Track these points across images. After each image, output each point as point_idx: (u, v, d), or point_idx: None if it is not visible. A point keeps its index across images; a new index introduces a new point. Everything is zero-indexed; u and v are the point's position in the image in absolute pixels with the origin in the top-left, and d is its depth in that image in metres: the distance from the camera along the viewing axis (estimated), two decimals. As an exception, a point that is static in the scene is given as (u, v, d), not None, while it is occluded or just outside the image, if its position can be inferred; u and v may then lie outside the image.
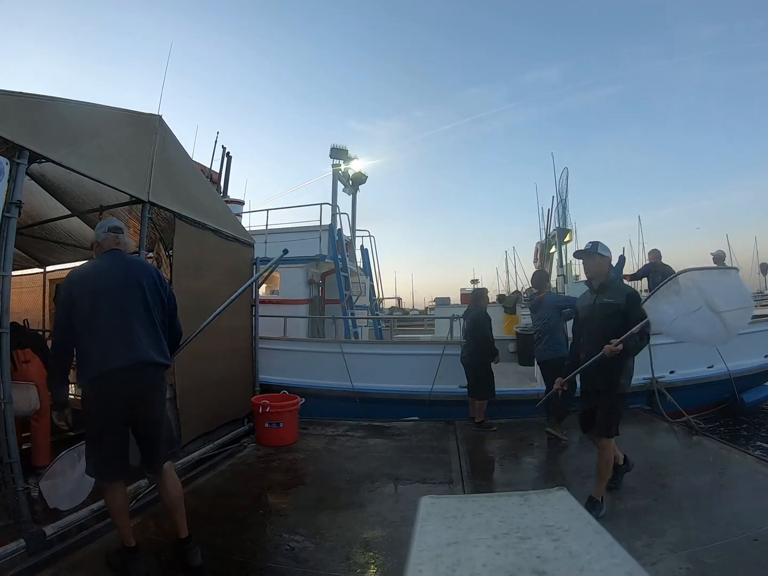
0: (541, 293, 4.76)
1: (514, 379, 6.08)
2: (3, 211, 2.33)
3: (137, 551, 2.24)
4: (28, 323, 5.27)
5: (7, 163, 2.33)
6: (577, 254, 3.22)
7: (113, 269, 2.23)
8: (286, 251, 3.50)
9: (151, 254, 4.00)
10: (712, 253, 7.02)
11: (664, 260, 7.07)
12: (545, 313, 4.55)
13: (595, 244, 2.99)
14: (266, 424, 4.40)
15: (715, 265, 3.82)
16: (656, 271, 6.73)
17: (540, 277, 5.02)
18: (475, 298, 5.27)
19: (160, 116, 3.70)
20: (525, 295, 15.60)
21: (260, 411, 4.36)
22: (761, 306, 13.43)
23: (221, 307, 3.14)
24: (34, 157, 2.58)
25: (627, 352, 2.78)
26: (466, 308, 5.36)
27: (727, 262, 7.53)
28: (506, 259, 35.38)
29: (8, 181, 2.35)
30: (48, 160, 2.69)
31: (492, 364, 4.90)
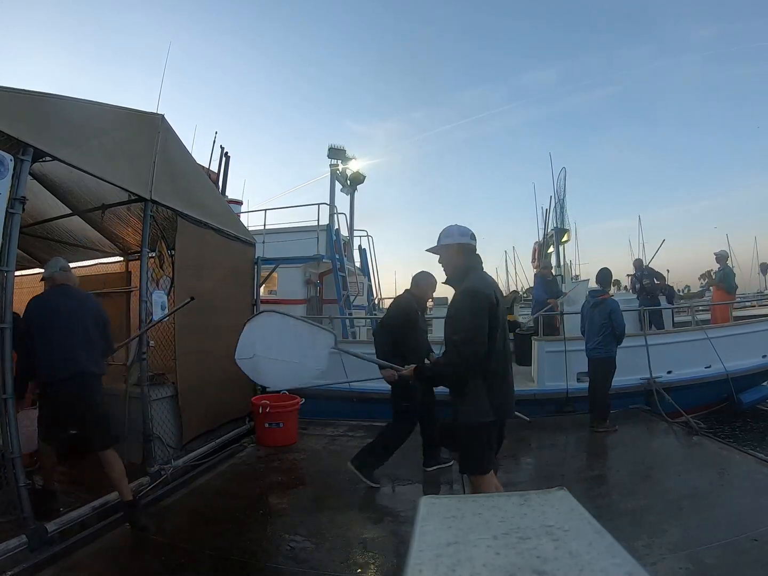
0: (604, 294, 4.79)
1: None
2: (7, 207, 2.33)
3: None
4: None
5: (11, 160, 2.33)
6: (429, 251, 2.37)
7: (64, 300, 2.80)
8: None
9: (153, 253, 4.00)
10: (715, 253, 7.26)
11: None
12: (602, 315, 4.64)
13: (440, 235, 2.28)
14: (266, 425, 4.40)
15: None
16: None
17: (606, 277, 4.98)
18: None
19: (162, 115, 3.71)
20: (524, 295, 15.59)
21: (260, 411, 4.37)
22: (760, 306, 13.43)
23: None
24: (38, 154, 2.57)
25: (426, 379, 2.24)
26: None
27: (728, 262, 7.68)
28: (506, 259, 35.33)
29: (12, 177, 2.35)
30: (52, 157, 2.69)
31: None
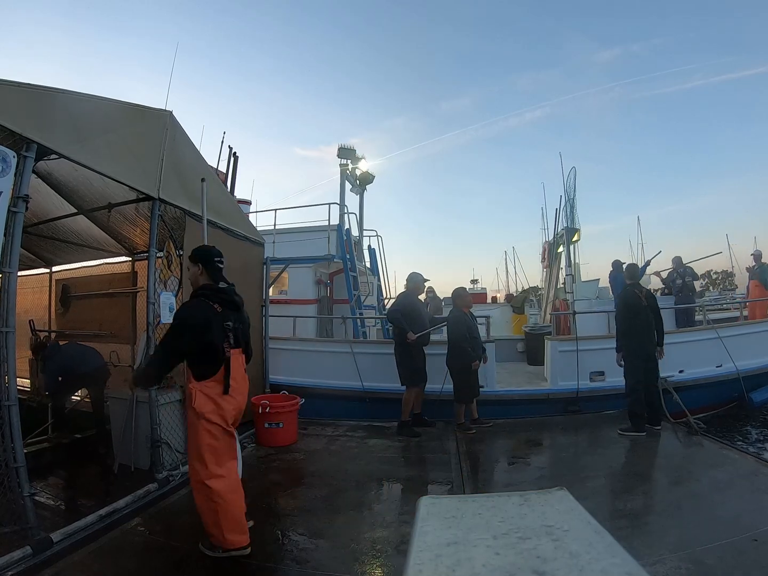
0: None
1: (523, 378, 6.08)
2: (9, 206, 2.26)
3: None
4: (33, 324, 5.27)
5: (14, 156, 2.25)
6: None
7: None
8: None
9: (161, 253, 3.97)
10: (752, 254, 8.49)
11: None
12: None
13: None
14: (266, 425, 4.39)
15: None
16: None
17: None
18: (454, 298, 5.10)
19: (171, 112, 3.63)
20: (532, 297, 15.59)
21: (260, 411, 4.36)
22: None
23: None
24: (43, 151, 2.50)
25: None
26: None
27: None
28: (506, 259, 35.46)
29: (15, 174, 2.27)
30: (57, 154, 2.61)
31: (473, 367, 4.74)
